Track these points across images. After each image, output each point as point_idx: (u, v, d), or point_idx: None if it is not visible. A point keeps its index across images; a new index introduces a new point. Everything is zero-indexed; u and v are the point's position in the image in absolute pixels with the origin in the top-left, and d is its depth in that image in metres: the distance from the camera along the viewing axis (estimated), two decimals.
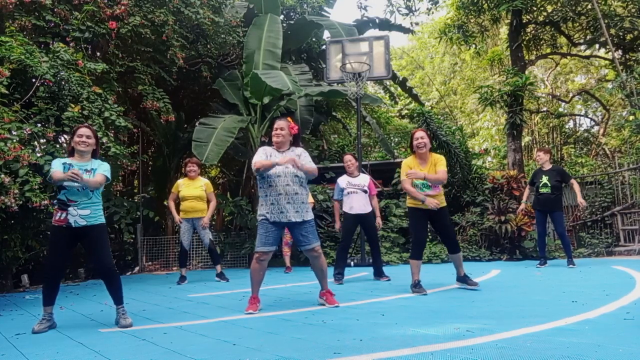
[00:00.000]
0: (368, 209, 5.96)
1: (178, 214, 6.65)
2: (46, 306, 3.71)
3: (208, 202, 6.66)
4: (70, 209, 3.63)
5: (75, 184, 3.59)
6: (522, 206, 7.45)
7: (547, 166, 7.00)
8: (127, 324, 3.62)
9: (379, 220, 6.02)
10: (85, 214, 3.67)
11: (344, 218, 6.04)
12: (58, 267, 3.75)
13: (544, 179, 6.86)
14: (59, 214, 3.65)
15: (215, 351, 2.76)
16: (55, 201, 3.72)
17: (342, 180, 6.10)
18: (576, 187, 6.91)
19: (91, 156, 3.83)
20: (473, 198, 9.85)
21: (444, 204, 4.81)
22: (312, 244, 4.13)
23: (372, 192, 6.03)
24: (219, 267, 6.78)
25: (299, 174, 4.10)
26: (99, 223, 3.75)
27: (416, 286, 4.73)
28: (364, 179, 6.06)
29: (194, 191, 6.54)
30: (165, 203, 11.50)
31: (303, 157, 4.19)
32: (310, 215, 4.16)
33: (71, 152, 3.81)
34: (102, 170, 3.80)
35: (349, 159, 6.12)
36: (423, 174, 4.60)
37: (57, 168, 3.62)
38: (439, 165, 4.70)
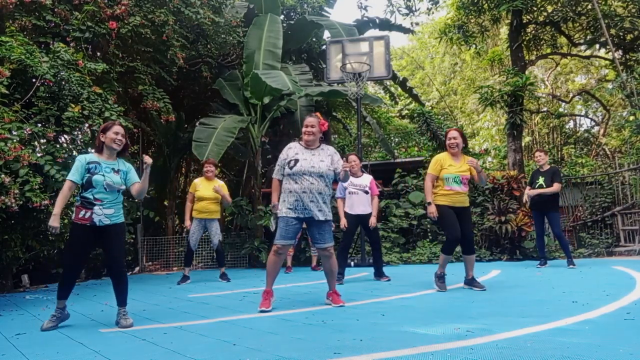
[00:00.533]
0: (369, 210, 5.97)
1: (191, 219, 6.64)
2: (60, 299, 3.70)
3: (221, 204, 6.73)
4: (96, 207, 3.60)
5: (106, 184, 3.58)
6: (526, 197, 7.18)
7: (545, 167, 7.03)
8: (127, 324, 3.61)
9: (372, 220, 5.96)
10: (110, 213, 3.66)
11: (345, 218, 6.06)
12: (79, 264, 3.75)
13: (540, 180, 6.90)
14: (82, 212, 3.60)
15: (215, 351, 2.76)
16: (78, 198, 3.66)
17: None
18: (552, 188, 6.75)
19: (117, 155, 3.80)
20: (473, 198, 9.85)
21: (468, 204, 4.90)
22: (327, 244, 4.20)
23: (373, 192, 6.04)
24: (222, 269, 6.79)
25: (324, 174, 4.14)
26: (120, 222, 3.76)
27: (440, 279, 4.87)
28: (366, 179, 6.08)
29: (211, 192, 6.56)
30: (165, 203, 11.55)
31: (336, 160, 4.26)
32: (330, 216, 4.22)
33: (100, 148, 3.73)
34: (135, 177, 3.80)
35: (353, 159, 6.13)
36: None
37: (78, 175, 3.56)
38: (474, 172, 4.83)
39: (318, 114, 4.47)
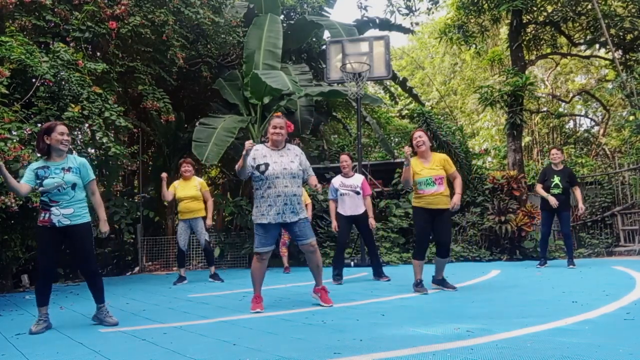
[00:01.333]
0: (361, 210, 5.91)
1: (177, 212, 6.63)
2: (41, 307, 3.69)
3: (204, 202, 6.63)
4: (52, 208, 3.59)
5: (54, 186, 3.56)
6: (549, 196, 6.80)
7: (560, 166, 6.85)
8: (113, 322, 3.63)
9: (372, 221, 5.94)
10: (69, 212, 3.63)
11: (340, 218, 6.04)
12: (49, 268, 3.70)
13: (556, 179, 6.72)
14: (42, 214, 3.63)
15: (215, 351, 2.76)
16: (40, 202, 3.70)
17: (336, 181, 6.10)
18: (578, 193, 6.79)
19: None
20: (473, 198, 9.85)
21: (447, 205, 4.70)
22: (309, 239, 4.17)
23: (365, 192, 5.95)
24: (212, 269, 6.75)
25: (296, 175, 4.11)
26: (83, 222, 3.70)
27: (418, 285, 4.75)
28: (358, 179, 6.00)
29: (189, 191, 6.51)
30: (165, 203, 11.53)
31: (304, 159, 4.24)
32: (304, 214, 4.19)
33: (47, 152, 3.66)
34: (89, 174, 3.76)
35: (344, 159, 6.10)
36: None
37: (27, 180, 3.55)
38: (449, 168, 4.75)
39: (280, 113, 4.41)
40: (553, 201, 6.62)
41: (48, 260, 3.67)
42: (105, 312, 3.74)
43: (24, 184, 3.58)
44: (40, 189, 3.58)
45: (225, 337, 3.10)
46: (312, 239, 4.19)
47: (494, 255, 8.69)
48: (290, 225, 4.15)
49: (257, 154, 4.11)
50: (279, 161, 4.08)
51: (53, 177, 3.59)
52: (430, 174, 4.65)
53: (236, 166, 4.07)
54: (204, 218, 6.63)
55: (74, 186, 3.66)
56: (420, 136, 4.75)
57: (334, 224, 6.00)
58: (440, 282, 4.94)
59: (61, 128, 3.66)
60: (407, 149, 4.58)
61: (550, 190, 6.77)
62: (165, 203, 11.49)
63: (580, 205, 6.74)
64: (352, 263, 7.91)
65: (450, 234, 5.00)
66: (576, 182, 6.89)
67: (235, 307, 4.36)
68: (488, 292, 4.67)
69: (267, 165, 4.04)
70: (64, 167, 3.66)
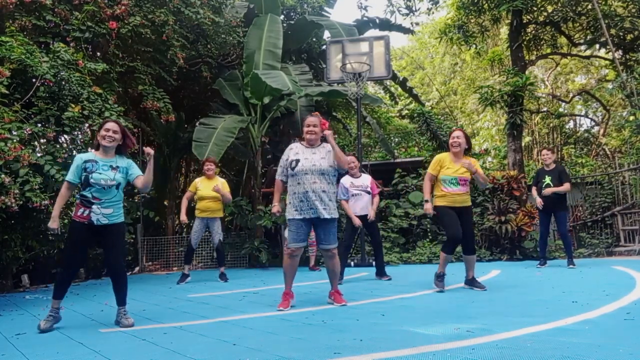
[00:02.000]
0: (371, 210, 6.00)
1: (186, 214, 6.66)
2: (56, 299, 3.69)
3: (223, 202, 6.70)
4: (94, 207, 3.59)
5: (102, 183, 3.57)
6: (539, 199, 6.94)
7: (551, 166, 6.93)
8: (129, 324, 3.61)
9: (371, 213, 5.95)
10: (108, 212, 3.64)
11: (346, 218, 6.07)
12: (77, 263, 3.74)
13: (547, 180, 6.80)
14: (81, 210, 3.60)
15: (215, 351, 2.76)
16: (78, 196, 3.67)
17: (346, 181, 6.11)
18: (565, 187, 6.75)
19: (116, 152, 3.78)
20: (473, 198, 9.84)
21: (469, 204, 4.88)
22: (331, 245, 4.23)
23: (374, 192, 6.08)
24: (222, 268, 6.79)
25: (326, 172, 4.14)
26: (119, 222, 3.74)
27: (439, 277, 4.86)
28: (366, 179, 6.11)
29: (211, 191, 6.54)
30: (165, 203, 11.55)
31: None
32: (336, 214, 4.23)
33: (97, 146, 3.74)
34: (136, 171, 3.76)
35: (351, 160, 6.14)
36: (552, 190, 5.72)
37: (72, 178, 3.59)
38: (478, 167, 4.81)
39: (317, 113, 4.48)
40: (539, 202, 6.84)
41: (76, 256, 3.68)
42: (123, 313, 3.73)
43: (65, 188, 3.64)
44: (91, 180, 3.55)
45: (225, 337, 3.10)
46: (333, 246, 4.24)
47: (494, 255, 8.69)
48: (319, 226, 4.19)
49: (291, 152, 4.24)
50: (310, 158, 4.15)
51: (101, 173, 3.60)
52: (456, 174, 4.75)
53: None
54: (221, 218, 6.71)
55: (118, 186, 3.68)
56: (459, 137, 4.81)
57: (356, 221, 5.94)
58: (471, 282, 4.93)
59: (108, 125, 3.69)
60: (428, 207, 4.86)
61: (543, 191, 6.82)
62: (166, 203, 11.52)
63: (557, 189, 6.70)
64: (352, 263, 7.92)
65: (472, 229, 5.05)
66: (567, 179, 6.86)
67: (235, 307, 4.36)
68: (488, 292, 4.67)
69: (297, 161, 4.14)
70: (112, 164, 3.68)
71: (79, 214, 3.60)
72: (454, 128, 5.10)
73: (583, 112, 20.71)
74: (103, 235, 3.67)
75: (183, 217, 6.62)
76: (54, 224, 3.64)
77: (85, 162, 3.62)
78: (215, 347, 2.87)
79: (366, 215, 5.96)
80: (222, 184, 6.66)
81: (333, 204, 4.20)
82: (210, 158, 6.95)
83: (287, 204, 4.21)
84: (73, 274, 3.79)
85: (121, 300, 3.76)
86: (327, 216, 4.11)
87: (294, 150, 4.24)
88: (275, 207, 4.35)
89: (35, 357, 2.84)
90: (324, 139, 4.33)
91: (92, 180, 3.56)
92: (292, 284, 4.29)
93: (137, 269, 9.38)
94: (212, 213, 6.60)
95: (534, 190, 7.03)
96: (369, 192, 6.01)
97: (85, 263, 3.92)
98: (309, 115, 4.39)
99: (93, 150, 3.82)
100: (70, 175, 3.63)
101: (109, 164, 3.67)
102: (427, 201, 4.88)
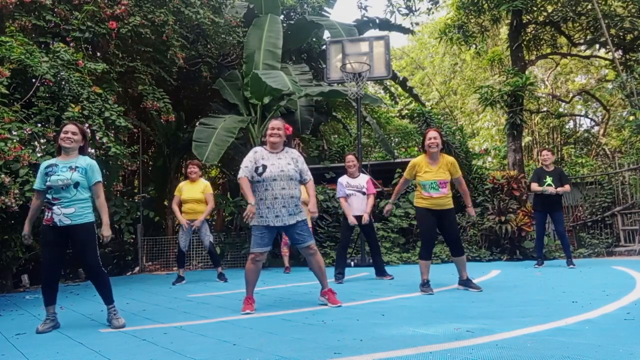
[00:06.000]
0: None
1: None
2: (48, 306, 3.69)
3: (206, 204, 6.61)
4: (54, 207, 3.59)
5: (58, 183, 3.57)
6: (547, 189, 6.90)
7: (551, 167, 6.98)
8: (120, 325, 3.60)
9: (365, 216, 5.92)
10: (70, 212, 3.60)
11: (342, 218, 6.07)
12: (53, 267, 3.69)
13: (548, 180, 6.83)
14: (45, 213, 3.65)
15: (215, 351, 2.76)
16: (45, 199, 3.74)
17: (343, 180, 6.12)
18: (566, 187, 6.80)
19: (79, 153, 3.79)
20: (473, 198, 9.84)
21: (451, 205, 4.81)
22: (307, 242, 4.15)
23: (369, 191, 6.03)
24: (219, 269, 6.77)
25: (293, 177, 4.10)
26: (85, 222, 3.65)
27: (424, 285, 4.78)
28: (363, 180, 6.09)
29: (194, 194, 6.50)
30: (165, 203, 11.54)
31: (301, 162, 4.22)
32: (303, 216, 4.17)
33: (59, 150, 3.79)
34: (95, 176, 3.74)
35: (350, 159, 6.14)
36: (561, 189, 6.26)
37: (38, 185, 3.69)
38: (455, 172, 4.78)
39: (281, 118, 4.42)
40: (551, 189, 6.76)
41: (50, 260, 3.66)
42: (112, 313, 3.71)
43: (34, 197, 3.78)
44: (48, 182, 3.60)
45: (225, 337, 3.10)
46: (310, 242, 4.17)
47: (494, 255, 8.69)
48: (288, 229, 4.14)
49: (257, 156, 4.12)
50: (277, 163, 4.08)
51: (59, 175, 3.61)
52: (435, 178, 4.69)
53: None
54: (208, 220, 6.63)
55: (76, 185, 3.65)
56: (435, 137, 4.74)
57: (351, 219, 5.93)
58: (465, 282, 4.88)
59: (67, 127, 3.75)
60: (388, 208, 5.35)
61: (549, 189, 6.82)
62: (166, 203, 11.51)
63: (560, 189, 6.73)
64: (352, 263, 7.92)
65: (457, 230, 5.01)
66: (567, 181, 6.97)
67: (235, 307, 4.35)
68: (488, 292, 4.67)
69: (264, 167, 4.04)
70: (71, 165, 3.68)
71: (46, 217, 3.65)
72: (428, 129, 5.03)
73: (583, 112, 20.72)
74: (71, 237, 3.64)
75: (182, 220, 6.57)
76: (25, 228, 3.77)
77: (47, 167, 3.67)
78: (215, 347, 2.87)
79: (360, 215, 5.93)
80: (205, 186, 6.61)
81: (299, 208, 4.13)
82: (194, 161, 6.85)
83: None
84: (52, 278, 3.71)
85: (107, 299, 3.74)
86: (292, 222, 4.07)
87: (260, 154, 4.12)
88: (252, 207, 3.96)
89: (35, 357, 2.84)
90: (287, 144, 4.28)
91: (49, 183, 3.59)
92: (254, 290, 4.19)
93: (137, 269, 9.38)
94: (197, 215, 6.51)
95: (535, 186, 6.95)
96: (364, 193, 5.99)
97: (61, 266, 3.88)
98: (273, 118, 4.31)
99: (56, 155, 3.89)
100: (36, 183, 3.74)
101: (68, 165, 3.67)
102: (388, 203, 5.16)
